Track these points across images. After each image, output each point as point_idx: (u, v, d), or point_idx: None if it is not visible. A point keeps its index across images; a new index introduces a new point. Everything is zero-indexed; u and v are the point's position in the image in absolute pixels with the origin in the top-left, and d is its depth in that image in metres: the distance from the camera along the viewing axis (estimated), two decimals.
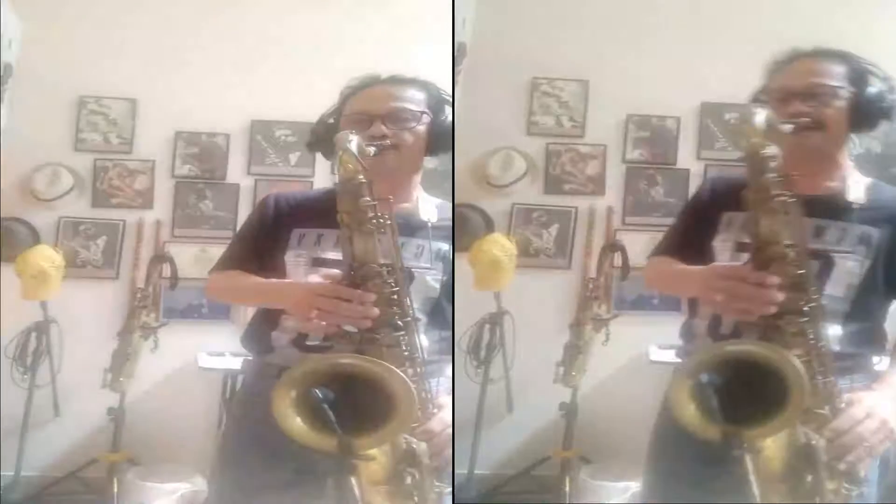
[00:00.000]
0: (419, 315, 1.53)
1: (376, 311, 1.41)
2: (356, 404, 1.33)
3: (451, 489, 1.46)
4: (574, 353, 3.18)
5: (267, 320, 1.65)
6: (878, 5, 3.34)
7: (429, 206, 1.68)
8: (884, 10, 3.31)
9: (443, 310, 1.65)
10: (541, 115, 3.57)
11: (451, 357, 1.67)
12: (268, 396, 1.36)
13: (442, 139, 1.66)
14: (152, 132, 3.55)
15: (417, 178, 1.70)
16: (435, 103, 1.66)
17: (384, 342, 1.42)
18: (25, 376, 3.28)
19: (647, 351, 3.32)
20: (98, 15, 3.43)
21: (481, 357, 3.35)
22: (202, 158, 3.57)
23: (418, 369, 1.44)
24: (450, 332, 1.67)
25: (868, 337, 1.58)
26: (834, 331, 1.51)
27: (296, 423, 1.32)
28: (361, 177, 1.40)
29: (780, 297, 1.38)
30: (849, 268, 1.54)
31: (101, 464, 3.27)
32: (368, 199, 1.40)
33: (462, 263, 3.10)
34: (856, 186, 1.61)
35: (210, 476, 1.74)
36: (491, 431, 3.44)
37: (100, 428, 3.35)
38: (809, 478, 1.35)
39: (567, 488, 3.20)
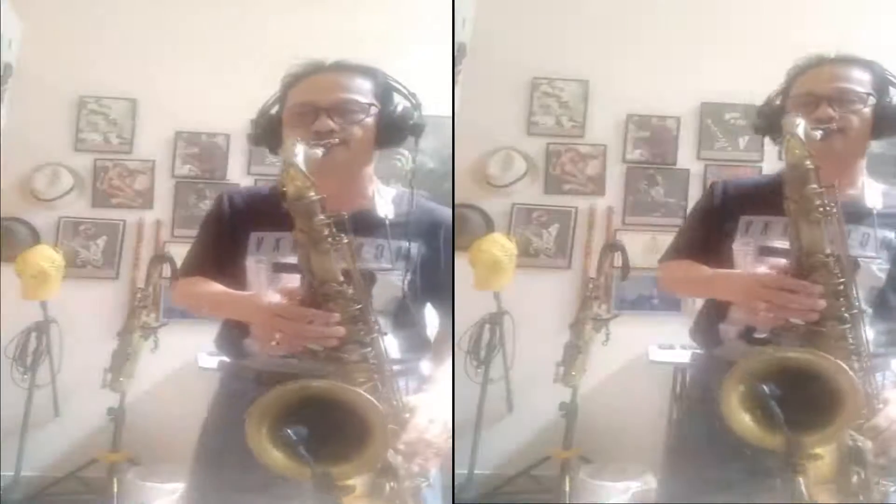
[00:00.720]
0: (383, 316, 1.47)
1: (342, 330, 1.34)
2: (330, 425, 1.30)
3: (428, 482, 1.43)
4: (574, 353, 3.17)
5: (237, 325, 1.59)
6: (871, 9, 3.33)
7: (385, 201, 1.59)
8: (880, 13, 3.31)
9: (407, 308, 1.58)
10: (541, 115, 3.57)
11: (422, 356, 1.61)
12: (244, 397, 1.34)
13: (392, 131, 1.56)
14: (152, 132, 3.55)
15: (370, 171, 1.60)
16: (382, 92, 1.57)
17: (350, 359, 1.36)
18: (25, 376, 3.29)
19: (647, 351, 3.33)
20: (98, 15, 3.43)
21: (481, 357, 3.35)
22: (202, 158, 3.56)
23: (386, 378, 1.39)
24: (417, 330, 1.62)
25: (892, 338, 1.60)
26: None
27: (273, 455, 1.30)
28: (313, 193, 1.30)
29: (822, 304, 1.40)
30: (872, 271, 1.57)
31: (101, 464, 3.27)
32: (323, 217, 1.31)
33: (462, 263, 3.10)
34: (872, 193, 1.63)
35: (188, 474, 1.70)
36: (491, 431, 3.44)
37: (100, 428, 3.35)
38: (855, 478, 1.37)
39: (567, 488, 3.20)
